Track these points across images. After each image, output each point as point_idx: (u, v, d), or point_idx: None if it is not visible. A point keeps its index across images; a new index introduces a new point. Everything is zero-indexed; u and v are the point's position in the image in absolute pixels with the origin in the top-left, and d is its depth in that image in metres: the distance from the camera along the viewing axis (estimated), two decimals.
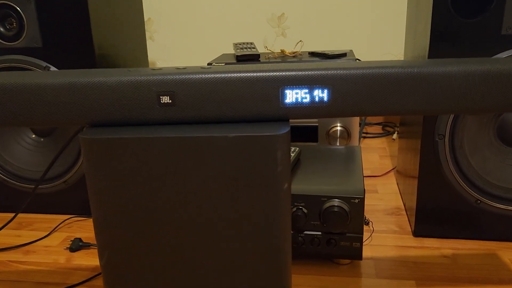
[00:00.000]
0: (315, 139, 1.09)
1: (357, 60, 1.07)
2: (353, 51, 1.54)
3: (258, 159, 0.46)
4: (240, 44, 1.22)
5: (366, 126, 1.64)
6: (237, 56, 1.13)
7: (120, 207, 0.49)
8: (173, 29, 1.72)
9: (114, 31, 1.00)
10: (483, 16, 0.72)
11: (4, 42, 0.91)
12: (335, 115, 0.49)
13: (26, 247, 0.89)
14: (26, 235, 0.94)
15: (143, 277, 0.52)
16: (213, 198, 0.48)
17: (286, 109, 0.49)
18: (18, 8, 0.88)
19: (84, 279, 0.77)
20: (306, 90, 0.48)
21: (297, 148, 0.86)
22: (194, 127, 0.48)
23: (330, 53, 1.14)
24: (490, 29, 0.73)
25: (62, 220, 0.99)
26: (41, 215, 1.02)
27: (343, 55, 1.14)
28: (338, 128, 1.07)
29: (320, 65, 0.49)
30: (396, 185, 1.12)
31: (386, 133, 1.55)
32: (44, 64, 0.90)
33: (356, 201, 0.71)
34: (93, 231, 0.56)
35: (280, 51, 1.22)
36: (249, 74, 0.47)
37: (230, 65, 0.51)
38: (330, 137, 1.07)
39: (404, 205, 1.00)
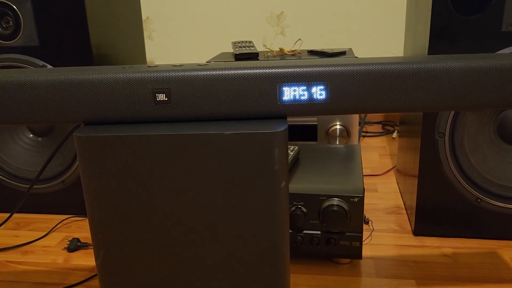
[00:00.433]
0: (314, 138, 1.08)
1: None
2: (353, 50, 1.53)
3: (255, 156, 0.46)
4: (239, 43, 1.21)
5: (366, 125, 1.64)
6: (235, 54, 1.12)
7: (116, 206, 0.48)
8: (172, 28, 1.72)
9: (112, 30, 1.00)
10: (483, 14, 0.72)
11: (1, 41, 0.90)
12: (333, 112, 0.49)
13: (24, 247, 0.89)
14: (24, 235, 0.93)
15: (139, 276, 0.51)
16: (209, 196, 0.48)
17: (283, 107, 0.48)
18: (14, 7, 0.87)
19: (82, 279, 0.77)
20: (304, 87, 0.47)
21: (296, 147, 0.85)
22: (190, 125, 0.48)
23: (329, 51, 1.13)
24: (490, 27, 0.72)
25: (60, 220, 0.99)
26: (39, 215, 1.02)
27: (342, 53, 1.13)
28: (338, 126, 1.06)
29: (318, 62, 0.48)
30: (396, 184, 1.11)
31: (386, 132, 1.55)
32: (41, 63, 0.90)
33: (356, 200, 0.71)
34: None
35: (279, 50, 1.21)
36: (246, 71, 0.47)
37: (227, 62, 0.50)
38: (330, 136, 1.07)
39: (404, 204, 0.99)
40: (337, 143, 1.07)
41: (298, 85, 0.47)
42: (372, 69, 0.47)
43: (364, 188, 0.73)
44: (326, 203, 0.71)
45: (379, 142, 1.47)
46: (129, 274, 0.51)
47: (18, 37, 0.89)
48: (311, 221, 0.73)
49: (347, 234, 0.73)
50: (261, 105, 0.48)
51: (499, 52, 0.73)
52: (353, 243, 0.73)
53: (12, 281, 0.77)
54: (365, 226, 0.91)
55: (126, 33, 1.08)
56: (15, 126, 1.01)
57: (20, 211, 1.03)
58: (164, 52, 1.75)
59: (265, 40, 1.68)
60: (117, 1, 1.03)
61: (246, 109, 0.48)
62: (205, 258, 0.50)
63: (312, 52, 1.20)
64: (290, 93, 0.48)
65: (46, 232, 0.94)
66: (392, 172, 1.19)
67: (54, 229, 0.95)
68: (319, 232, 0.74)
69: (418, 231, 0.86)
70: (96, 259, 0.51)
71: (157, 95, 0.47)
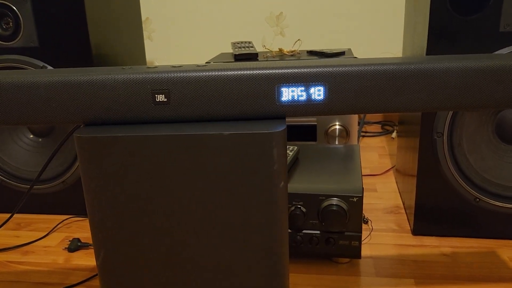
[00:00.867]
0: (313, 138, 1.09)
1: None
2: (352, 50, 1.54)
3: (254, 157, 0.46)
4: (238, 43, 1.22)
5: (365, 125, 1.64)
6: (235, 55, 1.12)
7: (116, 206, 0.49)
8: (171, 29, 1.72)
9: (112, 31, 1.00)
10: (481, 14, 0.72)
11: (1, 42, 0.90)
12: (332, 113, 0.49)
13: (25, 248, 0.89)
14: (25, 236, 0.93)
15: (140, 276, 0.52)
16: (209, 196, 0.48)
17: (282, 107, 0.48)
18: (14, 8, 0.88)
19: (82, 279, 0.77)
20: (302, 88, 0.48)
21: (296, 147, 0.86)
22: (190, 125, 0.48)
23: (328, 51, 1.13)
24: (488, 27, 0.72)
25: (61, 220, 0.99)
26: (40, 216, 1.02)
27: (341, 53, 1.14)
28: (337, 127, 1.07)
29: (316, 63, 0.49)
30: (395, 184, 1.11)
31: (385, 132, 1.55)
32: (41, 63, 0.90)
33: (355, 199, 0.71)
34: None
35: (278, 50, 1.22)
36: (244, 72, 0.47)
37: (226, 63, 0.51)
38: (329, 136, 1.07)
39: (403, 204, 0.99)
40: (336, 143, 1.07)
41: (297, 86, 0.48)
42: (370, 69, 0.47)
43: (363, 188, 0.73)
44: (325, 203, 0.72)
45: (379, 142, 1.47)
46: (129, 274, 0.51)
47: (18, 38, 0.90)
48: (311, 221, 0.74)
49: (346, 233, 0.73)
50: (259, 105, 0.48)
51: (496, 52, 0.73)
52: (352, 242, 0.73)
53: (12, 281, 0.78)
54: (364, 226, 0.91)
55: (125, 34, 1.08)
56: (15, 126, 1.01)
57: (20, 211, 1.04)
58: (164, 53, 1.75)
59: (264, 41, 1.68)
60: (116, 1, 1.03)
61: (245, 110, 0.48)
62: (204, 258, 0.50)
63: (311, 53, 1.20)
64: (288, 93, 0.48)
65: (47, 232, 0.94)
66: (391, 172, 1.19)
67: (55, 229, 0.96)
68: (318, 232, 0.74)
69: (417, 231, 0.86)
70: (97, 259, 0.51)
71: (156, 96, 0.48)
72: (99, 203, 0.49)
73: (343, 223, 0.72)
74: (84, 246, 0.87)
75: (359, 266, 0.77)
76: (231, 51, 1.45)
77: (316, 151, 0.90)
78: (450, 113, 0.77)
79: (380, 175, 1.17)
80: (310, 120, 1.08)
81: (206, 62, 1.05)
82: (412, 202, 0.87)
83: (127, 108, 0.48)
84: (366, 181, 1.14)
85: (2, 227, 0.97)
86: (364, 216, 0.95)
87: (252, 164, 0.46)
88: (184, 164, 0.47)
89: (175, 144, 0.46)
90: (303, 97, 0.48)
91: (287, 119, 0.71)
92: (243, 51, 1.14)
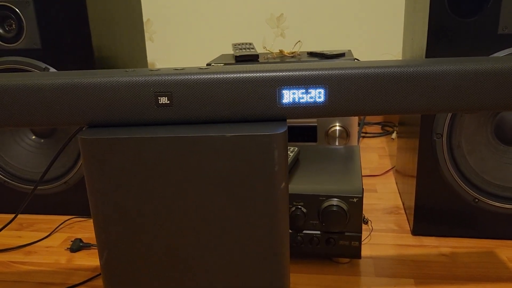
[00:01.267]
0: (314, 139, 1.09)
1: (355, 60, 1.07)
2: (352, 51, 1.54)
3: (255, 158, 0.47)
4: (239, 45, 1.22)
5: (365, 126, 1.65)
6: (236, 56, 1.13)
7: (119, 207, 0.49)
8: (172, 30, 1.72)
9: (113, 32, 1.00)
10: (480, 16, 0.73)
11: (4, 44, 0.91)
12: (332, 115, 0.50)
13: (27, 248, 0.90)
14: (27, 236, 0.94)
15: (143, 276, 0.52)
16: (210, 198, 0.49)
17: (283, 109, 0.49)
18: (17, 10, 0.88)
19: (85, 279, 0.78)
20: (303, 90, 0.48)
21: (296, 148, 0.86)
22: (192, 127, 0.49)
23: (328, 53, 1.14)
24: (486, 29, 0.73)
25: (63, 221, 1.00)
26: (42, 216, 1.03)
27: (342, 55, 1.14)
28: (337, 128, 1.07)
29: (317, 65, 0.49)
30: (395, 185, 1.12)
31: (385, 133, 1.56)
32: (44, 65, 0.91)
33: (355, 200, 0.72)
34: (94, 232, 0.56)
35: (278, 52, 1.22)
36: (246, 75, 0.48)
37: (228, 66, 0.51)
38: (329, 137, 1.08)
39: (403, 204, 1.00)
40: (337, 144, 1.08)
41: (297, 88, 0.48)
42: (370, 72, 0.48)
43: (363, 188, 0.73)
44: (326, 203, 0.72)
45: (379, 142, 1.47)
46: (132, 274, 0.52)
47: (21, 39, 0.90)
48: (311, 221, 0.74)
49: (346, 234, 0.74)
50: (261, 107, 0.49)
51: (494, 55, 0.74)
52: (353, 242, 0.74)
53: (15, 281, 0.78)
54: (364, 226, 0.92)
55: (127, 35, 1.09)
56: (19, 128, 1.02)
57: (23, 211, 1.04)
58: (165, 54, 1.76)
59: (265, 42, 1.69)
60: (118, 3, 1.04)
61: (246, 112, 0.49)
62: (206, 258, 0.51)
63: (311, 54, 1.20)
64: (289, 96, 0.48)
65: (49, 233, 0.95)
66: (391, 173, 1.20)
67: (57, 229, 0.96)
68: (318, 232, 0.75)
69: (416, 231, 0.87)
70: (100, 259, 0.52)
71: (159, 98, 0.48)
72: (103, 204, 0.49)
73: (343, 224, 0.72)
74: (86, 246, 0.88)
75: (359, 266, 0.78)
76: (232, 52, 1.46)
77: (316, 152, 0.91)
78: (449, 114, 0.78)
79: (380, 176, 1.18)
80: (311, 121, 1.08)
81: (207, 64, 1.06)
82: (411, 202, 0.87)
83: (130, 110, 0.49)
84: (366, 181, 1.15)
85: (5, 228, 0.97)
86: (364, 217, 0.95)
87: (253, 166, 0.47)
88: (187, 166, 0.47)
89: (178, 145, 0.47)
90: (304, 99, 0.49)
91: (287, 120, 0.71)
92: (244, 52, 1.14)
